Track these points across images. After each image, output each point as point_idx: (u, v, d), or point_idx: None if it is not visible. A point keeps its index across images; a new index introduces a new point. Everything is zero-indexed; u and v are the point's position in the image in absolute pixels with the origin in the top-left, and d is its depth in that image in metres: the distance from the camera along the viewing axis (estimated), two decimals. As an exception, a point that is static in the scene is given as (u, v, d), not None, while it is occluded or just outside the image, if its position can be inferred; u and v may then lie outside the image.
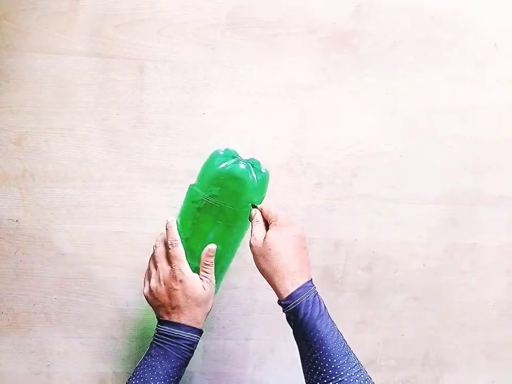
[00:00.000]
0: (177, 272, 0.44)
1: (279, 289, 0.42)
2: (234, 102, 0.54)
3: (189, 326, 0.44)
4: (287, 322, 0.43)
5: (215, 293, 0.49)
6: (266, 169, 0.47)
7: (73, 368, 0.59)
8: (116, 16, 0.51)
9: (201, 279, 0.46)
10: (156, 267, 0.46)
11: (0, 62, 0.51)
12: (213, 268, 0.46)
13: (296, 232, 0.44)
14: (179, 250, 0.45)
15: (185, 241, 0.46)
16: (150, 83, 0.53)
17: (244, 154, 0.48)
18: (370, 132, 0.57)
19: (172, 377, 0.43)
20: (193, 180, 0.49)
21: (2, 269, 0.56)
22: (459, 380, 0.65)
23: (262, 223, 0.45)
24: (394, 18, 0.54)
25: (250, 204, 0.46)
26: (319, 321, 0.40)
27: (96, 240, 0.56)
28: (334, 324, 0.42)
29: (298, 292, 0.41)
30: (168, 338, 0.44)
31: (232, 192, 0.44)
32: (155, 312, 0.47)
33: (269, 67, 0.54)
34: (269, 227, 0.44)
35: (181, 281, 0.44)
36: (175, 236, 0.46)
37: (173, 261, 0.45)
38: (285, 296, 0.42)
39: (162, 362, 0.43)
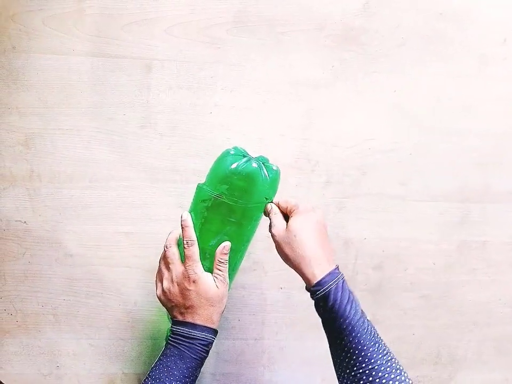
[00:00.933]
0: (190, 272, 0.44)
1: (307, 275, 0.42)
2: (241, 101, 0.54)
3: (204, 326, 0.44)
4: (315, 309, 0.42)
5: (228, 291, 0.48)
6: (277, 166, 0.47)
7: (82, 370, 0.59)
8: (122, 16, 0.51)
9: (215, 277, 0.45)
10: (168, 268, 0.46)
11: (8, 63, 0.51)
12: (227, 266, 0.46)
13: (319, 219, 0.44)
14: (194, 250, 0.45)
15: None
16: (157, 82, 0.53)
17: (253, 152, 0.48)
18: (379, 129, 0.56)
19: (187, 377, 0.43)
20: (201, 179, 0.48)
21: (11, 270, 0.56)
22: (472, 378, 0.64)
23: (280, 215, 0.45)
24: (402, 15, 0.54)
25: (262, 201, 0.46)
26: (348, 307, 0.40)
27: (104, 240, 0.56)
28: (363, 312, 0.41)
29: (327, 278, 0.41)
30: (183, 339, 0.44)
31: (242, 190, 0.44)
32: (169, 313, 0.46)
33: (276, 65, 0.54)
34: (291, 215, 0.44)
35: (194, 281, 0.44)
36: (192, 235, 0.45)
37: (187, 261, 0.44)
38: (314, 282, 0.41)
39: (178, 363, 0.43)
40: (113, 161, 0.54)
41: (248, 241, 0.48)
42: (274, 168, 0.46)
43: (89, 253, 0.56)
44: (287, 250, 0.43)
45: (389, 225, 0.59)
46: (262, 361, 0.61)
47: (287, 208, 0.45)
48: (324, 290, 0.40)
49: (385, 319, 0.61)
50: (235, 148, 0.46)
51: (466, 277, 0.61)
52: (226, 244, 0.45)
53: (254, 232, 0.49)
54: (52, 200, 0.55)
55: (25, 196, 0.55)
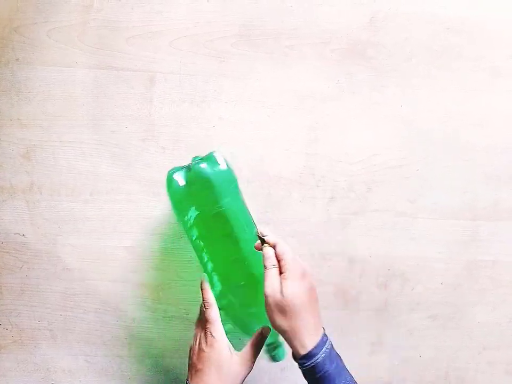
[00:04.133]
0: (208, 334, 0.44)
1: (296, 346, 0.41)
2: (245, 114, 0.53)
3: None
4: (302, 376, 0.42)
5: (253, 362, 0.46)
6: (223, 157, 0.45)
7: (78, 387, 0.58)
8: (127, 29, 0.51)
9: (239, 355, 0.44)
10: (197, 326, 0.46)
11: (11, 75, 0.51)
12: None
13: (312, 285, 0.43)
14: (210, 312, 0.44)
15: (213, 270, 0.46)
16: (160, 95, 0.52)
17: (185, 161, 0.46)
18: (386, 144, 0.55)
19: None
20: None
21: (8, 284, 0.55)
22: (482, 405, 0.61)
23: (277, 272, 0.42)
24: (409, 29, 0.53)
25: (227, 194, 0.44)
26: (337, 378, 0.40)
27: (104, 255, 0.55)
28: (352, 378, 0.41)
29: (314, 351, 0.40)
30: None
31: (209, 195, 0.43)
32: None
33: (281, 78, 0.53)
34: (284, 278, 0.41)
35: (210, 344, 0.43)
36: (208, 298, 0.45)
37: (206, 324, 0.45)
38: (302, 353, 0.40)
39: None
40: (115, 174, 0.54)
41: (251, 236, 0.46)
42: (218, 158, 0.44)
43: (88, 268, 0.55)
44: (279, 318, 0.41)
45: (395, 243, 0.57)
46: (263, 381, 0.59)
47: (280, 262, 0.42)
48: (311, 364, 0.40)
49: (390, 339, 0.59)
50: (171, 170, 0.45)
51: (476, 297, 0.59)
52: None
53: (250, 221, 0.46)
54: (51, 213, 0.54)
55: (24, 208, 0.54)
